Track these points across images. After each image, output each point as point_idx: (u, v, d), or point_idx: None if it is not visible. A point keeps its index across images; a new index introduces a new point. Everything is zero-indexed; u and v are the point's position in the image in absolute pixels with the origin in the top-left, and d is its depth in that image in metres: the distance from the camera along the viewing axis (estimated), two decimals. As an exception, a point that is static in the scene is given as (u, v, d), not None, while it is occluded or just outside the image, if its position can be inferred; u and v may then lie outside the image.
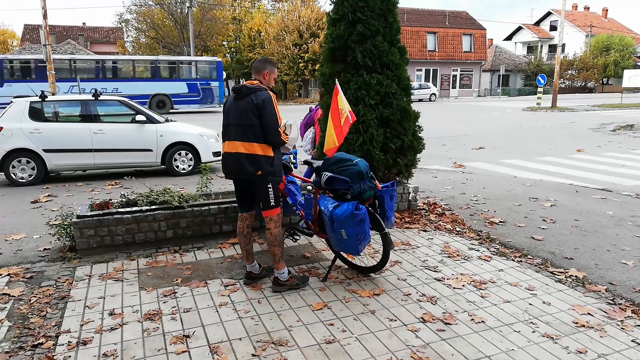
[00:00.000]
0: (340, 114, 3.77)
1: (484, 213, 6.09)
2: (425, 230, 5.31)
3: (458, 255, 4.56)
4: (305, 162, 4.33)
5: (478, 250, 4.70)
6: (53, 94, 17.07)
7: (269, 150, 3.60)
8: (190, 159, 9.06)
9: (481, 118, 22.05)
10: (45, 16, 17.96)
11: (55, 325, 3.28)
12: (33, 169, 8.23)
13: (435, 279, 4.02)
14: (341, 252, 4.08)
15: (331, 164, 3.81)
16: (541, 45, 57.62)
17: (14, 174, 8.15)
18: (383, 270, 4.10)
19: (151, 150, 8.73)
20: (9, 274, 4.18)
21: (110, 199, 5.03)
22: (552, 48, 56.29)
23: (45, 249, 4.83)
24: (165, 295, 3.73)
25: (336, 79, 3.91)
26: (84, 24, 55.67)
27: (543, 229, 5.43)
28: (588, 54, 51.54)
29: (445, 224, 5.52)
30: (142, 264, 4.41)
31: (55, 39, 44.66)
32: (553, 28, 56.61)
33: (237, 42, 47.10)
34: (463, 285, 3.87)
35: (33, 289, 3.89)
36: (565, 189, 7.54)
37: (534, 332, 3.16)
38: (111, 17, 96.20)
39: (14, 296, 3.74)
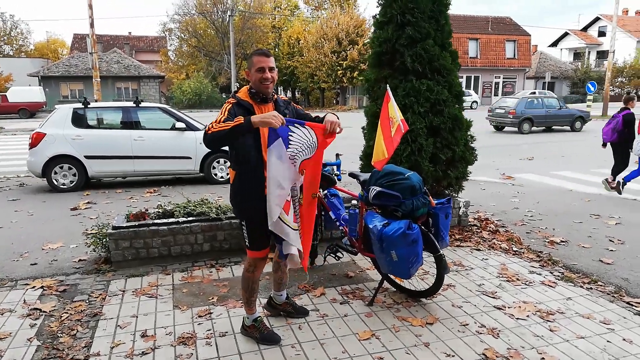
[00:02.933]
0: (390, 123, 3.44)
1: (542, 231, 5.60)
2: (478, 249, 4.89)
3: (518, 279, 4.13)
4: (351, 175, 4.01)
5: (540, 274, 4.25)
6: (97, 101, 17.49)
7: (232, 175, 2.99)
8: (229, 167, 8.90)
9: (527, 127, 21.12)
10: (92, 25, 18.46)
11: (85, 347, 3.08)
12: (74, 175, 8.26)
13: (494, 306, 3.61)
14: (389, 274, 3.74)
15: (380, 178, 3.49)
16: (589, 52, 55.34)
17: (55, 180, 8.21)
18: (435, 294, 3.73)
19: (190, 158, 8.63)
20: (42, 287, 4.04)
21: (147, 209, 4.87)
22: (600, 54, 53.98)
23: (80, 260, 4.70)
24: (200, 316, 3.48)
25: (387, 85, 3.58)
26: (129, 33, 57.38)
27: (611, 250, 4.91)
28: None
29: (500, 242, 5.08)
30: (177, 279, 4.20)
31: (102, 47, 46.17)
32: (601, 34, 54.30)
33: (277, 50, 47.45)
34: (527, 316, 3.45)
35: (65, 304, 3.72)
36: (629, 205, 6.92)
37: (618, 377, 2.73)
38: (156, 26, 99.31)
39: (46, 312, 3.58)
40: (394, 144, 3.44)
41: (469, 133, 5.37)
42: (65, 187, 8.24)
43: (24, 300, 3.78)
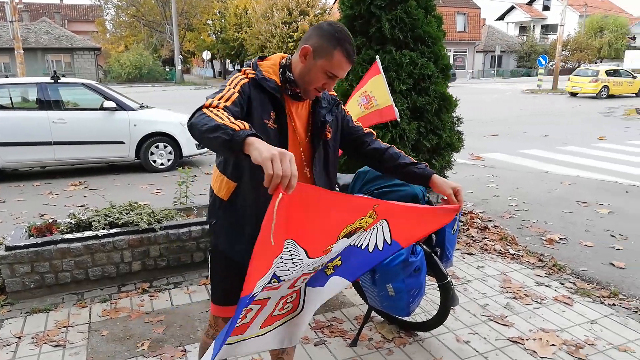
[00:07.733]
0: (364, 99, 2.54)
1: (534, 225, 4.94)
2: (470, 254, 4.14)
3: (526, 294, 3.40)
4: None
5: (549, 287, 3.54)
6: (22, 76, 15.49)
7: (221, 182, 1.76)
8: (170, 152, 7.75)
9: (482, 101, 20.88)
10: (9, -12, 16.24)
11: None
12: (-20, 166, 6.89)
13: (509, 339, 2.85)
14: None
15: (368, 182, 2.59)
16: (533, 26, 56.37)
17: (-44, 172, 6.81)
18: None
19: (123, 143, 7.40)
20: None
21: (55, 220, 3.76)
22: (545, 28, 55.11)
23: (-34, 289, 3.57)
24: (122, 380, 2.52)
25: (376, 56, 2.65)
26: (61, 1, 52.91)
27: (618, 249, 4.29)
28: (582, 34, 50.42)
29: (492, 242, 4.36)
30: (97, 314, 3.18)
31: (29, 16, 42.20)
32: (546, 8, 55.33)
33: (223, 20, 45.07)
34: (554, 353, 2.72)
35: None
36: (612, 189, 6.42)
37: None
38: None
39: None
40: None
41: (454, 115, 4.55)
42: (-31, 180, 6.86)
43: None
